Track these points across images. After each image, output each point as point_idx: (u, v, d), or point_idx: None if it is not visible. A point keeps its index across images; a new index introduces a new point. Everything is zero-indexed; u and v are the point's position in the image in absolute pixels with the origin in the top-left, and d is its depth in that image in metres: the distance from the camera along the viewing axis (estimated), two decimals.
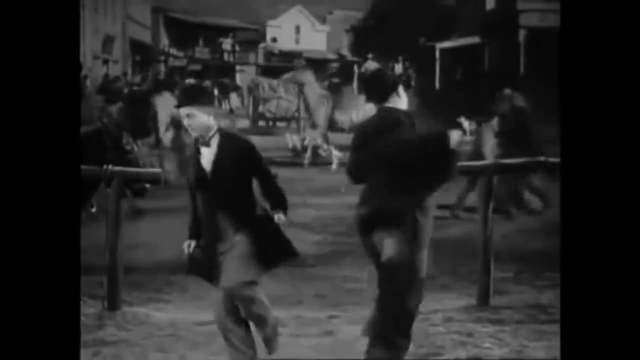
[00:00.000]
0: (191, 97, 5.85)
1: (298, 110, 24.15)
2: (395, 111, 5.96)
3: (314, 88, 21.46)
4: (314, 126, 21.40)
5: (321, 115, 21.06)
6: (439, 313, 7.38)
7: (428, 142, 5.82)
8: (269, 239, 5.73)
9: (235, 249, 5.65)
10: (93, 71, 29.40)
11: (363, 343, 6.59)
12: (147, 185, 7.85)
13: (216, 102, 23.52)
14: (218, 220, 5.68)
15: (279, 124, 24.29)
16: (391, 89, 5.99)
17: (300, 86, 21.84)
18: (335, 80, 27.77)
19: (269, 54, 39.38)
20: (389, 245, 5.71)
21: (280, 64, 34.65)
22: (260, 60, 39.96)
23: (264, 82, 26.35)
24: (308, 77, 22.24)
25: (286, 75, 23.36)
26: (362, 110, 20.85)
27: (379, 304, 5.90)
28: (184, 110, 5.72)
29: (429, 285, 6.95)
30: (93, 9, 33.01)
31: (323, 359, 6.29)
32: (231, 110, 26.02)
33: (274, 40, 42.28)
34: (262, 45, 42.26)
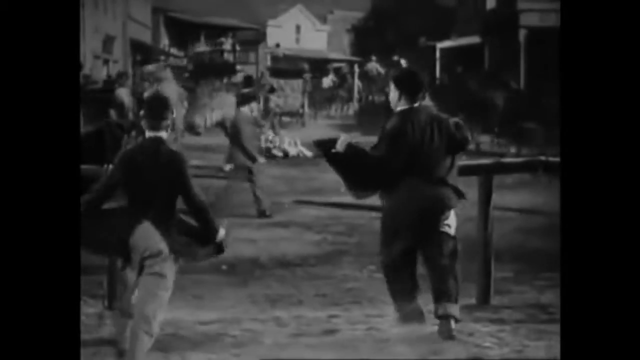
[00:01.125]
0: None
1: (302, 106, 29.85)
2: (427, 108, 6.70)
3: (172, 86, 21.73)
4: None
5: (179, 115, 21.26)
6: None
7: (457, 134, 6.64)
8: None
9: None
10: (94, 71, 29.43)
11: (363, 342, 6.60)
12: None
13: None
14: None
15: (284, 118, 28.81)
16: (425, 88, 6.72)
17: (158, 83, 22.24)
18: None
19: (274, 58, 43.56)
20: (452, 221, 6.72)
21: (285, 66, 39.01)
22: (268, 63, 44.77)
23: (272, 82, 31.82)
24: (167, 74, 22.81)
25: (147, 69, 24.25)
26: (217, 111, 20.90)
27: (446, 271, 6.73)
28: None
29: (429, 285, 6.94)
30: (93, 9, 32.98)
31: (323, 358, 6.28)
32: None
33: (278, 45, 45.70)
34: (268, 50, 45.72)
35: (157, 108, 6.02)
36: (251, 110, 13.88)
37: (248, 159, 12.92)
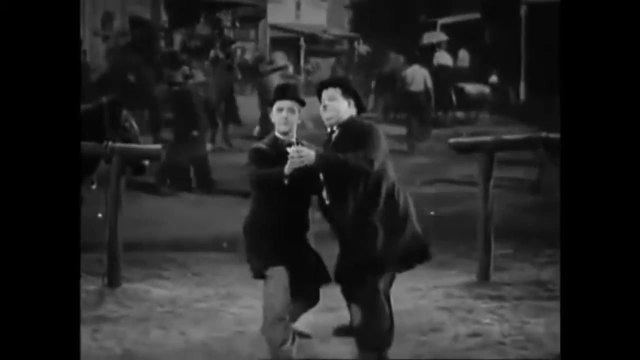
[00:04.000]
0: None
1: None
2: None
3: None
4: None
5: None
6: (439, 289, 7.39)
7: None
8: None
9: None
10: (94, 48, 29.36)
11: None
12: (147, 162, 7.82)
13: None
14: None
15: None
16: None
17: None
18: None
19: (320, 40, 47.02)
20: None
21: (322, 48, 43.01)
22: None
23: (313, 61, 38.24)
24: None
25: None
26: None
27: None
28: None
29: (429, 262, 6.92)
30: None
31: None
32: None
33: (325, 31, 48.69)
34: (320, 34, 50.70)
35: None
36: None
37: None
